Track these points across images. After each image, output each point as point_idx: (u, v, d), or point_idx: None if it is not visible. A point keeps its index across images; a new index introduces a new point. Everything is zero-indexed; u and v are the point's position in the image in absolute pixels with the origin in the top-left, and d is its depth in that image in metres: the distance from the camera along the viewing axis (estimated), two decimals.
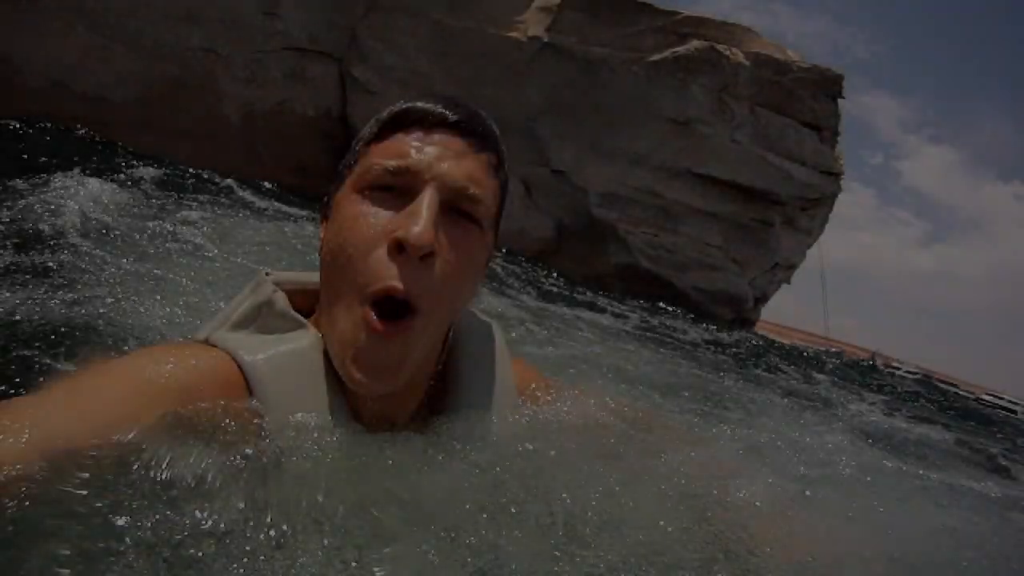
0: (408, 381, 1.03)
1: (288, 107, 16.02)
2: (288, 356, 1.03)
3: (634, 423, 1.36)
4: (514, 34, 16.55)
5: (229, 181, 9.11)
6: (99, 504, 0.74)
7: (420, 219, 0.94)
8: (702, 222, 20.49)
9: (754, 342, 13.81)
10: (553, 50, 16.78)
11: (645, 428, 1.36)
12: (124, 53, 14.35)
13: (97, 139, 12.65)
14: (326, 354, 1.04)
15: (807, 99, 19.46)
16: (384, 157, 1.01)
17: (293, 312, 1.09)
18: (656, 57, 17.37)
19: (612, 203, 19.78)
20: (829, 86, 19.75)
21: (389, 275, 0.95)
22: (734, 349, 11.43)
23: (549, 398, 1.29)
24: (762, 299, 24.26)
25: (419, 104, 1.04)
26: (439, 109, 1.03)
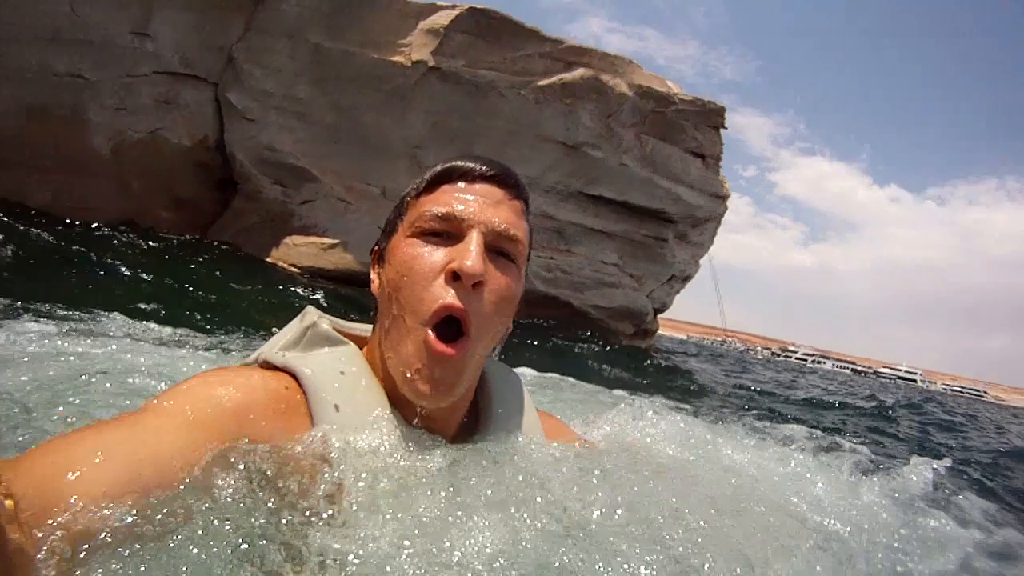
0: (456, 401, 1.22)
1: (161, 136, 15.99)
2: (339, 362, 1.24)
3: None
4: (398, 58, 17.07)
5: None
6: (158, 535, 0.84)
7: (471, 254, 1.13)
8: (597, 241, 22.07)
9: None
10: (439, 74, 17.43)
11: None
12: None
13: None
14: (370, 364, 1.27)
15: (690, 130, 21.22)
16: (434, 205, 1.21)
17: (336, 333, 1.32)
18: (544, 82, 18.43)
19: None
20: (712, 118, 21.61)
21: (448, 296, 1.13)
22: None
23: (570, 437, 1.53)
24: (661, 309, 26.14)
25: (459, 162, 1.25)
26: (479, 165, 1.25)
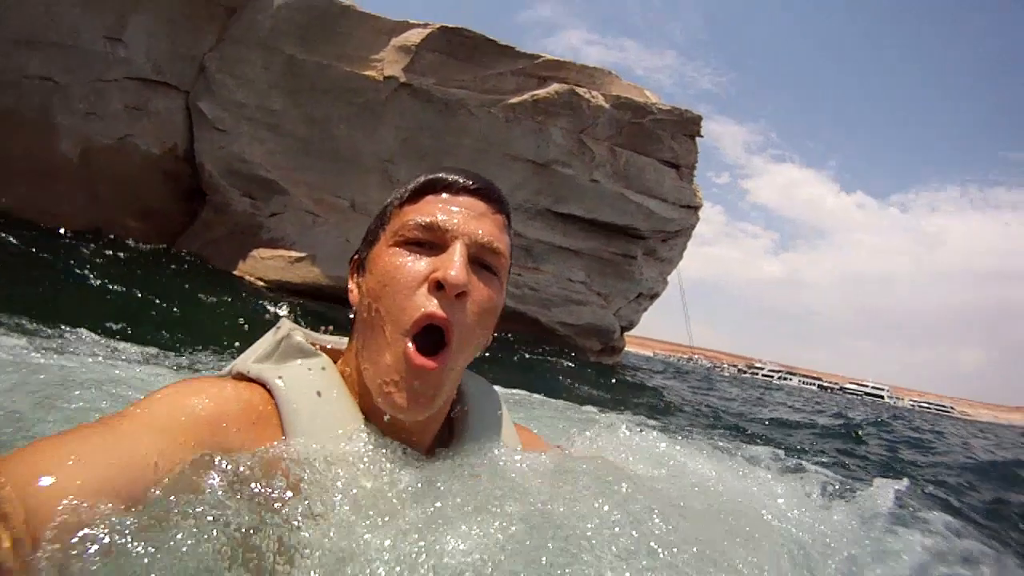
0: (433, 414, 1.21)
1: (130, 143, 15.75)
2: (311, 373, 1.23)
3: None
4: (370, 73, 17.10)
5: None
6: (132, 541, 0.83)
7: (455, 264, 1.13)
8: (565, 259, 22.15)
9: None
10: (410, 90, 17.48)
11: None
12: None
13: None
14: (345, 378, 1.26)
15: (666, 139, 21.39)
16: (418, 215, 1.21)
17: (309, 344, 1.30)
18: (515, 100, 18.53)
19: None
20: (688, 127, 21.76)
21: (431, 305, 1.13)
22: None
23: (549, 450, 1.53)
24: (628, 327, 26.31)
25: (443, 174, 1.26)
26: (463, 178, 1.25)
